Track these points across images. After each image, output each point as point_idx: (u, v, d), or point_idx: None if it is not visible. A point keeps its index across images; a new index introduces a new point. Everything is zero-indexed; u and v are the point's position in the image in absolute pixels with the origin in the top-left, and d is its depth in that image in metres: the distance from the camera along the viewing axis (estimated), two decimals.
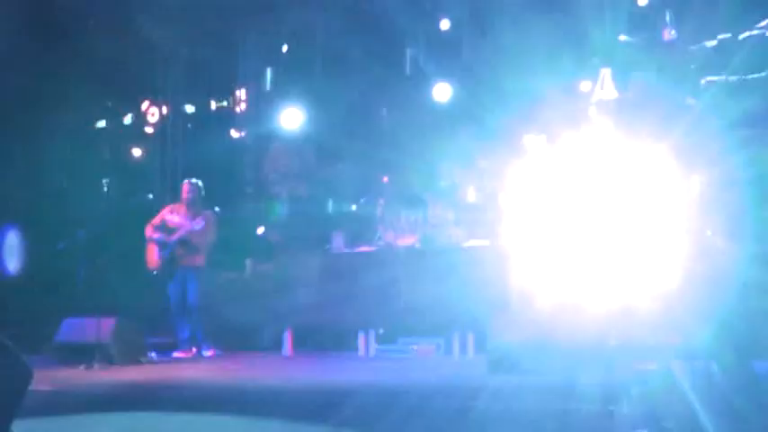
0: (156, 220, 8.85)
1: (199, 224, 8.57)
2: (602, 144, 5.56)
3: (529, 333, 6.24)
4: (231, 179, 11.99)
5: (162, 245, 8.67)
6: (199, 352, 8.64)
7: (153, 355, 8.37)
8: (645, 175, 5.05)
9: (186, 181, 9.02)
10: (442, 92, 10.28)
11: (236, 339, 9.26)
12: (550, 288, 6.75)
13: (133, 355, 7.94)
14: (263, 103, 12.09)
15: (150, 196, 8.85)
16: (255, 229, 10.28)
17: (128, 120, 12.23)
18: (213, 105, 12.07)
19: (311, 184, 10.44)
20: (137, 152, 12.22)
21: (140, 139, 12.16)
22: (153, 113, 12.11)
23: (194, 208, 8.72)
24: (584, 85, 7.60)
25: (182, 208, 8.84)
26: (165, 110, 12.15)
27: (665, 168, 4.81)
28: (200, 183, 8.92)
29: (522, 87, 9.35)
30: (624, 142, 5.14)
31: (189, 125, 12.21)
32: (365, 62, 10.01)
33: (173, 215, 8.82)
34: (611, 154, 5.53)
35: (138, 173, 11.88)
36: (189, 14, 10.30)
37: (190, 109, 12.20)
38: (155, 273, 8.72)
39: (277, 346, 8.95)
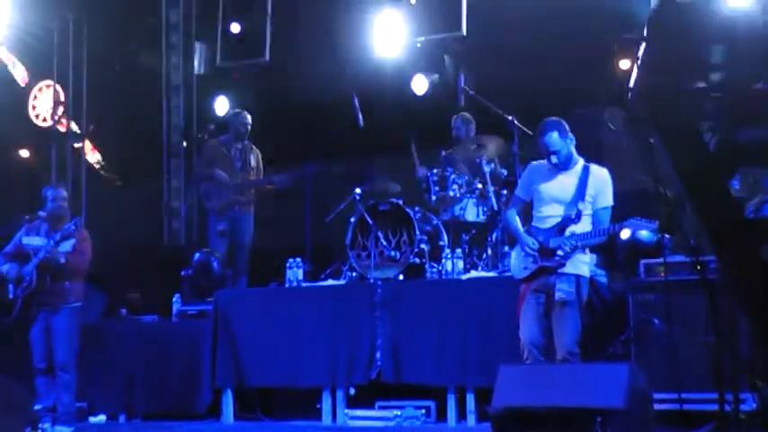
0: (10, 248, 8.58)
1: (66, 244, 8.31)
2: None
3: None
4: (153, 191, 11.92)
5: (16, 280, 8.37)
6: (52, 425, 8.32)
7: (46, 426, 8.25)
8: None
9: (51, 186, 8.87)
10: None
11: (164, 402, 9.19)
12: None
13: (19, 426, 7.80)
14: (194, 89, 12.07)
15: (42, 214, 8.66)
16: (183, 258, 10.18)
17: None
18: None
19: (259, 196, 10.34)
20: (24, 153, 12.12)
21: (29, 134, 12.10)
22: (46, 101, 12.01)
23: (59, 224, 8.46)
24: (624, 64, 7.64)
25: (43, 225, 8.59)
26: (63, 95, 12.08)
27: None
28: (63, 191, 8.77)
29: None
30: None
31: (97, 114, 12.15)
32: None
33: (31, 236, 8.58)
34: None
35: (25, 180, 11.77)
36: None
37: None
38: (6, 320, 8.37)
39: (216, 411, 8.88)
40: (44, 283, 8.32)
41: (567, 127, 6.90)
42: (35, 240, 8.49)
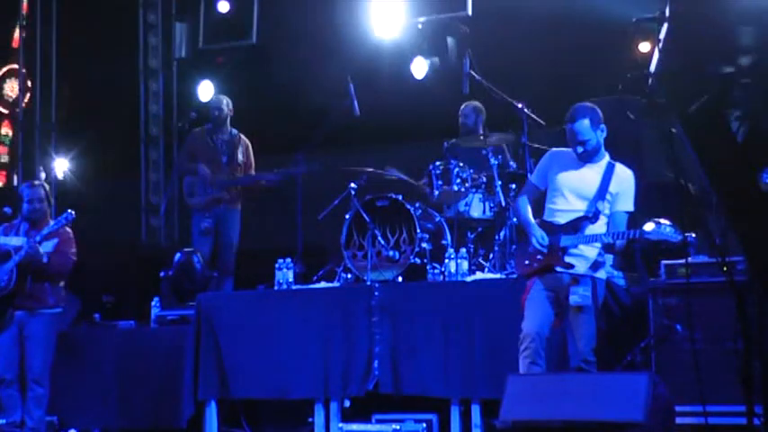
0: None
1: (48, 244, 8.34)
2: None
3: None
4: (130, 185, 11.92)
5: None
6: None
7: None
8: None
9: (27, 184, 8.89)
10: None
11: (141, 415, 9.21)
12: None
13: None
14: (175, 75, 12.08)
15: (8, 211, 8.70)
16: (163, 258, 10.19)
17: None
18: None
19: (246, 193, 10.36)
20: None
21: None
22: (12, 86, 12.01)
23: (41, 223, 8.53)
24: (643, 47, 7.65)
25: (23, 224, 8.63)
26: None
27: None
28: (45, 186, 8.80)
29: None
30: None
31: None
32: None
33: (8, 237, 8.60)
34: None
35: None
36: None
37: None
38: None
39: (198, 425, 8.89)
40: (24, 285, 8.35)
41: (601, 116, 6.84)
42: (14, 240, 8.53)
